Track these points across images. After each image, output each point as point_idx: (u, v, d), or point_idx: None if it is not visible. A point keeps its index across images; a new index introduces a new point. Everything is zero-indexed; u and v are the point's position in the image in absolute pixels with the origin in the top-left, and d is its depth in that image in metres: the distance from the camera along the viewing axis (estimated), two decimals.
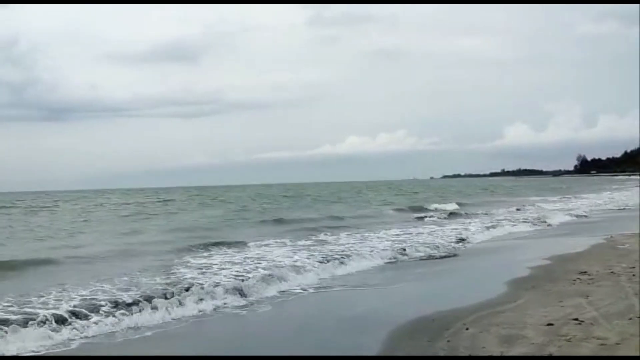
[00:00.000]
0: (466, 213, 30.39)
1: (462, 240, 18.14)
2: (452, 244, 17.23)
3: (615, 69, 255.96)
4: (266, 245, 17.04)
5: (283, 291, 10.68)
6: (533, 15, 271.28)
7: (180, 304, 9.28)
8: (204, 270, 12.51)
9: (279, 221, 26.84)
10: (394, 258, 14.64)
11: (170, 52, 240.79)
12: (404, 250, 15.60)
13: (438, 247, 16.47)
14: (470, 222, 24.59)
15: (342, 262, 13.59)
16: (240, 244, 17.02)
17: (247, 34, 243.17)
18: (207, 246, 16.59)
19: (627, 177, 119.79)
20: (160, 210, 38.94)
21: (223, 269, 12.66)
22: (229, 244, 16.97)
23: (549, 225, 23.27)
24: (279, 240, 18.04)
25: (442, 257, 14.94)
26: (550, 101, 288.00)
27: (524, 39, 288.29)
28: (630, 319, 7.29)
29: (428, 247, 16.35)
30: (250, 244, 17.18)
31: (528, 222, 23.92)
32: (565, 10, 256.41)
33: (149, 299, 9.32)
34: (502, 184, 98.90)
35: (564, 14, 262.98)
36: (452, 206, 36.24)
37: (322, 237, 19.22)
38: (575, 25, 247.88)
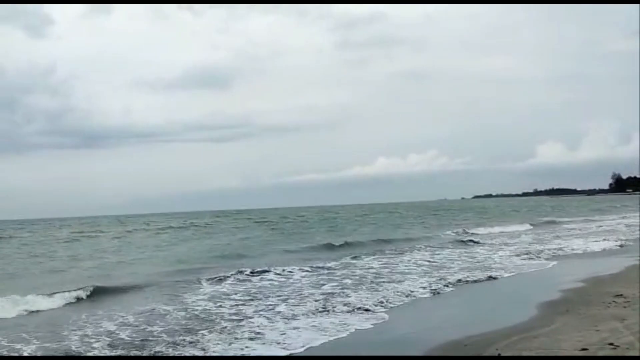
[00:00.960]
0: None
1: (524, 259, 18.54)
2: (504, 266, 17.12)
3: None
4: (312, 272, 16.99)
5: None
6: (564, 33, 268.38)
7: None
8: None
9: (328, 246, 26.53)
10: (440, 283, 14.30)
11: (201, 77, 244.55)
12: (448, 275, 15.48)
13: (475, 270, 16.30)
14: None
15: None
16: (272, 273, 16.96)
17: (276, 58, 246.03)
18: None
19: None
20: (192, 235, 39.54)
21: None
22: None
23: (621, 244, 22.79)
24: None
25: (481, 280, 14.64)
26: (584, 119, 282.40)
27: (555, 57, 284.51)
28: None
29: (472, 270, 16.29)
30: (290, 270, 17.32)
31: (600, 241, 24.27)
32: (597, 26, 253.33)
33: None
34: (542, 204, 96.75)
35: (594, 31, 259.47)
36: (524, 226, 36.61)
37: (369, 261, 19.15)
38: (607, 42, 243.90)
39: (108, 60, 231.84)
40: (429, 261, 18.92)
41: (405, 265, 17.78)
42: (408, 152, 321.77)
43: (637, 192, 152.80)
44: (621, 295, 10.84)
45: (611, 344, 7.34)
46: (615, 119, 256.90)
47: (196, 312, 11.15)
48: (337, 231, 38.91)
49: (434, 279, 14.63)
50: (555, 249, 21.79)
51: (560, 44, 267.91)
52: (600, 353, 6.98)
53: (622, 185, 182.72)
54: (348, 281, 14.58)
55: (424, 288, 13.42)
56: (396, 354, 8.00)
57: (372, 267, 17.37)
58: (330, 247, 26.24)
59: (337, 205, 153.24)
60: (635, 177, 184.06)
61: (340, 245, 26.52)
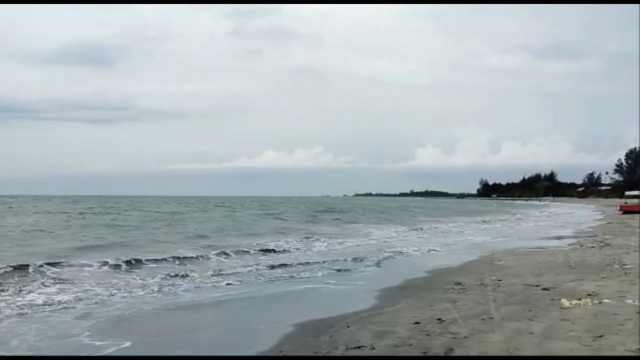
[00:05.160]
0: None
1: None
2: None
3: (521, 98, 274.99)
4: None
5: None
6: (448, 44, 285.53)
7: None
8: None
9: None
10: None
11: (82, 54, 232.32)
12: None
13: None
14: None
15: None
16: None
17: (167, 41, 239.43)
18: None
19: (523, 202, 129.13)
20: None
21: None
22: None
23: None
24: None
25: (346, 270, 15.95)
26: (460, 127, 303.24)
27: (439, 66, 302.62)
28: (483, 319, 8.80)
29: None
30: None
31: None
32: (479, 41, 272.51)
33: None
34: (421, 205, 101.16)
35: (477, 45, 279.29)
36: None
37: None
38: (484, 56, 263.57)
39: None
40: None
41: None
42: (295, 147, 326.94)
43: (501, 198, 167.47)
44: (460, 283, 12.61)
45: (439, 319, 8.82)
46: (487, 129, 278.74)
47: None
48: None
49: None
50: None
51: (442, 53, 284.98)
52: (429, 326, 8.39)
53: (487, 190, 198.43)
54: None
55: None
56: (265, 327, 8.96)
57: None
58: None
59: (218, 196, 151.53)
60: (500, 184, 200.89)
61: None
